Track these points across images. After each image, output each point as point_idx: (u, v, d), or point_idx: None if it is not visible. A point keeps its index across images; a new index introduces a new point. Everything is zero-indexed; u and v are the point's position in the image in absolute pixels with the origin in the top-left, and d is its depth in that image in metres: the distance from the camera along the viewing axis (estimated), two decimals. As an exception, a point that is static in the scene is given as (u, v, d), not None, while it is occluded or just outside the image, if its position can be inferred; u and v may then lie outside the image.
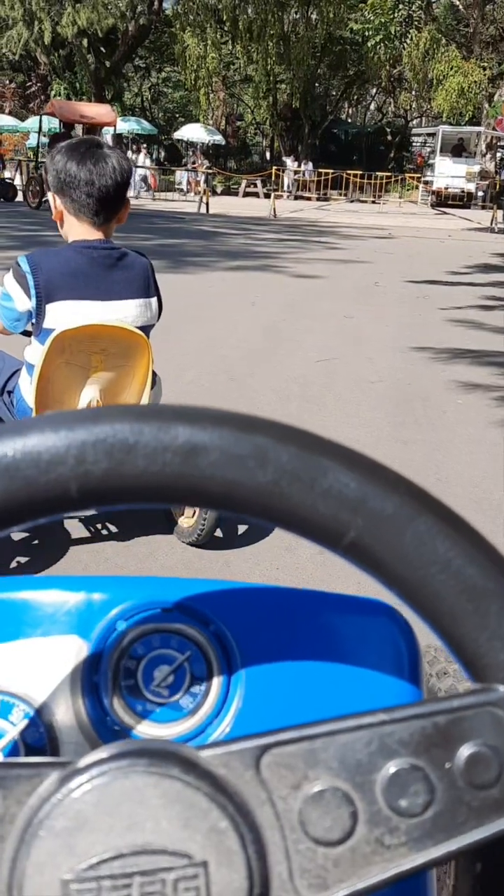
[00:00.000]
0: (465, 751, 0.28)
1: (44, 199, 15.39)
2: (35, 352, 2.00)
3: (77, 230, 1.97)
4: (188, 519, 2.47)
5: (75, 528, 2.58)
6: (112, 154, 1.92)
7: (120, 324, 1.97)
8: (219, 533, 2.52)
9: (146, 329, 2.07)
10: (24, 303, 1.94)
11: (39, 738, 0.43)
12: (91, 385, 2.05)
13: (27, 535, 2.50)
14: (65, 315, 1.93)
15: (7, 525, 0.28)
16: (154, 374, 2.14)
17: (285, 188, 24.51)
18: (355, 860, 0.27)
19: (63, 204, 1.95)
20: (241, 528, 2.66)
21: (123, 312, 2.01)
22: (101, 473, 0.27)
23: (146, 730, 0.44)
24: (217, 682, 0.45)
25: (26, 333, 2.08)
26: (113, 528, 2.61)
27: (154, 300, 2.08)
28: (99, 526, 2.62)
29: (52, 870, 0.26)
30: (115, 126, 17.36)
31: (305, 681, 0.46)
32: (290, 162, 25.86)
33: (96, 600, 0.46)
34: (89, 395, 2.03)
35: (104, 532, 2.59)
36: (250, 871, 0.26)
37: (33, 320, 1.98)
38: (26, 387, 2.07)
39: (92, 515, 2.63)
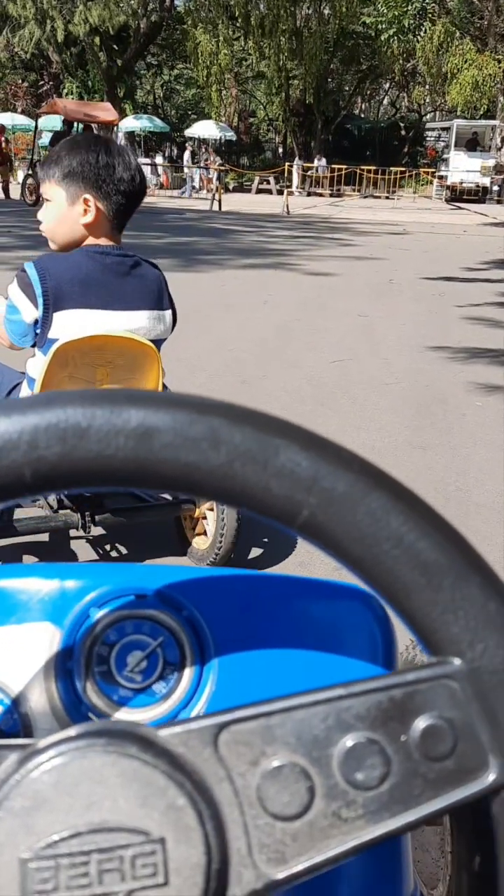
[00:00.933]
0: (420, 723, 0.28)
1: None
2: (37, 364, 1.87)
3: (97, 233, 1.84)
4: (203, 540, 2.34)
5: (82, 549, 2.46)
6: (130, 154, 1.83)
7: (128, 334, 1.84)
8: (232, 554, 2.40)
9: (157, 343, 1.94)
10: (31, 313, 1.81)
11: (14, 724, 0.43)
12: None
13: (35, 559, 2.39)
14: (73, 324, 1.80)
15: None
16: (165, 387, 2.02)
17: (294, 186, 24.32)
18: (313, 834, 0.28)
19: (102, 206, 1.80)
20: (256, 551, 2.53)
21: (135, 323, 1.88)
22: (54, 458, 0.27)
23: (120, 715, 0.44)
24: (190, 667, 0.45)
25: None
26: (123, 550, 2.49)
27: (168, 313, 1.96)
28: (108, 547, 2.50)
29: (10, 849, 0.26)
30: (117, 124, 17.50)
31: (279, 665, 0.46)
32: (297, 161, 25.64)
33: (70, 588, 0.46)
34: None
35: (113, 553, 2.47)
36: (208, 846, 0.27)
37: (38, 330, 1.84)
38: None
39: (100, 536, 2.51)
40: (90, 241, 1.83)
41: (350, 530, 0.28)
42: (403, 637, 0.50)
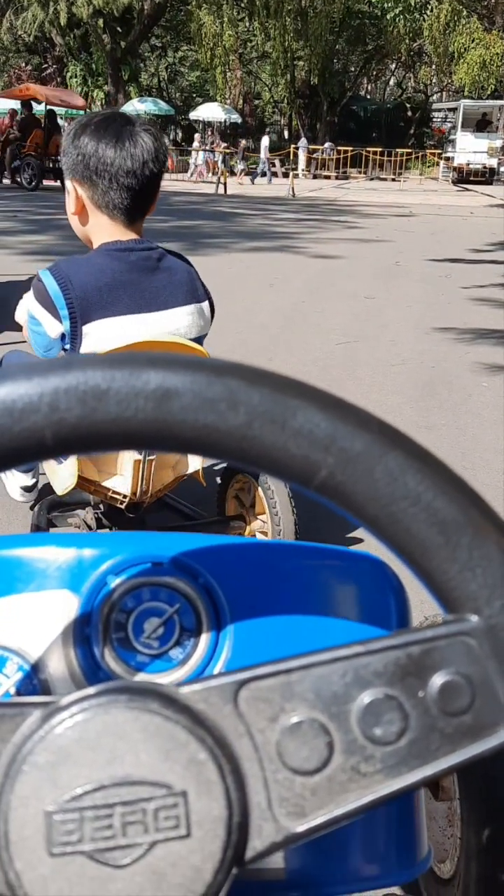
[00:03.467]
0: (437, 679, 0.28)
1: (4, 178, 16.09)
2: None
3: (105, 229, 1.60)
4: None
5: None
6: (145, 132, 1.54)
7: (172, 338, 1.64)
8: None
9: (199, 340, 1.76)
10: (55, 327, 1.59)
11: (33, 689, 0.44)
12: None
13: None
14: (107, 335, 1.58)
15: None
16: None
17: (300, 168, 24.00)
18: (332, 788, 0.28)
19: (88, 196, 1.57)
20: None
21: (175, 323, 1.67)
22: (74, 420, 0.27)
23: (137, 680, 0.45)
24: (206, 633, 0.46)
25: None
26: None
27: (206, 304, 1.76)
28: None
29: (35, 802, 0.27)
30: (85, 110, 18.77)
31: (294, 632, 0.46)
32: (303, 142, 25.31)
33: (87, 556, 0.46)
34: None
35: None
36: (229, 800, 0.27)
37: (67, 346, 1.62)
38: None
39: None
40: (107, 237, 1.61)
41: (367, 489, 0.28)
42: (417, 609, 0.52)
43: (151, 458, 1.61)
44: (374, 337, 5.21)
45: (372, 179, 24.30)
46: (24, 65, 34.42)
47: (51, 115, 16.36)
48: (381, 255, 9.19)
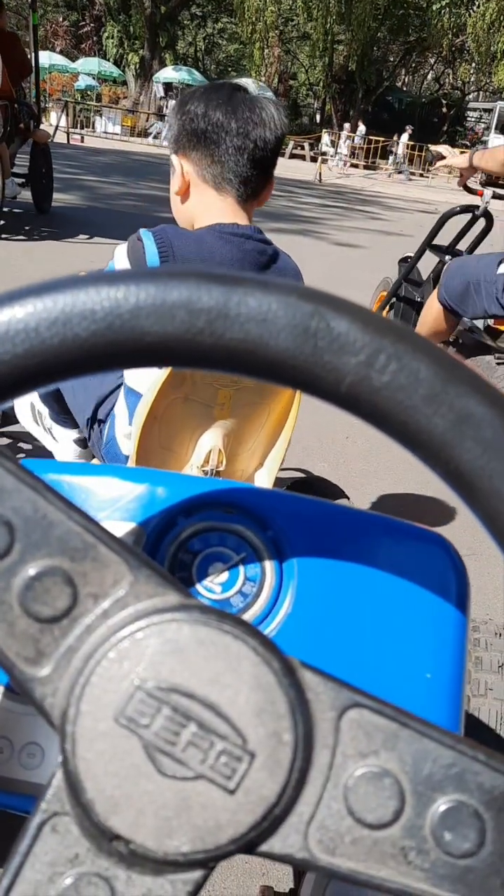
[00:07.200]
0: None
1: None
2: (142, 377, 1.41)
3: (214, 208, 1.38)
4: None
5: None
6: (267, 101, 1.35)
7: None
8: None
9: None
10: None
11: None
12: (214, 429, 1.44)
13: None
14: None
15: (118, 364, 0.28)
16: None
17: (341, 146, 23.44)
18: (371, 851, 0.27)
19: (195, 168, 1.36)
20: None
21: None
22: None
23: None
24: (269, 585, 0.46)
25: None
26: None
27: None
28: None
29: (131, 668, 0.27)
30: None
31: (354, 594, 0.46)
32: (343, 132, 24.86)
33: (160, 494, 0.47)
34: (210, 441, 1.42)
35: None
36: (283, 792, 0.27)
37: None
38: (123, 422, 1.47)
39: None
40: (215, 217, 1.39)
41: None
42: (477, 605, 0.50)
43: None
44: (390, 330, 5.16)
45: (400, 172, 24.08)
46: (61, 20, 33.99)
47: None
48: (403, 249, 9.08)
